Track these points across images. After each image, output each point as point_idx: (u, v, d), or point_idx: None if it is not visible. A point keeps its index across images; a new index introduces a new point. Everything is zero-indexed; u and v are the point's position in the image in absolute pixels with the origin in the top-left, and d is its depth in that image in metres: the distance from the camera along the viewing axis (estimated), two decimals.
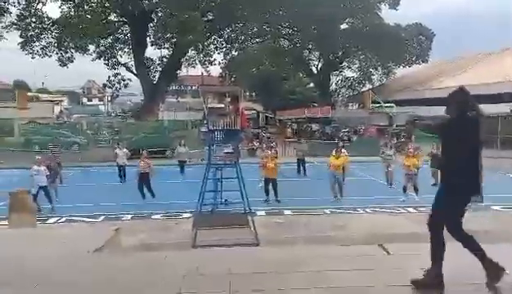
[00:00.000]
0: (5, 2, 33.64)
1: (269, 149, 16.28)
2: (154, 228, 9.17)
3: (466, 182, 3.82)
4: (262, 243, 7.84)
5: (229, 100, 8.33)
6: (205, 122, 8.86)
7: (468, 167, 3.85)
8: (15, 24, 35.19)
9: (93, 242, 5.72)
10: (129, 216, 11.01)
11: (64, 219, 10.70)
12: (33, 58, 37.16)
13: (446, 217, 3.82)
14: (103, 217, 10.86)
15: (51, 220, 10.58)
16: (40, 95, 56.57)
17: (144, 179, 13.54)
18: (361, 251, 4.88)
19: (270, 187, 13.23)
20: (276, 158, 14.68)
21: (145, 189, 13.47)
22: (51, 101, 47.41)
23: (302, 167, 19.43)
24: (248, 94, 65.11)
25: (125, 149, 18.31)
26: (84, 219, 10.67)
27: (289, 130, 40.32)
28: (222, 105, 8.73)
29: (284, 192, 13.34)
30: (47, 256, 5.16)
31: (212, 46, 42.26)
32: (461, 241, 3.81)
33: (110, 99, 59.07)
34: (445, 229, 3.79)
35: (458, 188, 3.80)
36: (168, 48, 38.96)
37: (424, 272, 3.80)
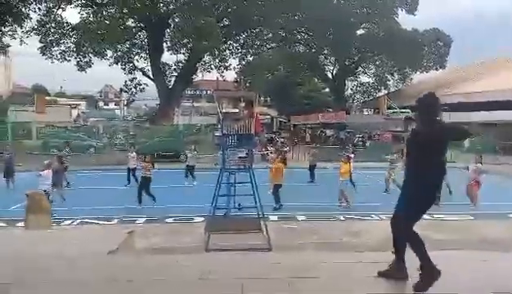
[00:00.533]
0: (26, 8, 34.35)
1: (277, 154, 16.20)
2: (168, 231, 9.19)
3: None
4: (275, 248, 7.79)
5: (243, 104, 8.33)
6: (219, 126, 8.87)
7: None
8: (35, 30, 35.92)
9: (107, 244, 5.78)
10: (143, 220, 11.07)
11: (78, 221, 10.81)
12: (52, 63, 37.87)
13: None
14: (117, 220, 10.96)
15: (66, 223, 10.71)
16: (58, 99, 57.62)
17: (143, 182, 13.56)
18: (376, 257, 4.82)
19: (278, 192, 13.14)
20: (282, 163, 14.54)
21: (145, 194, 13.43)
22: (69, 105, 48.16)
23: (310, 172, 19.28)
24: (263, 99, 65.17)
25: (134, 153, 18.42)
26: (98, 222, 10.77)
27: (308, 135, 40.03)
28: (237, 110, 8.74)
29: (297, 197, 13.30)
30: (63, 257, 5.23)
31: (227, 52, 42.48)
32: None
33: (126, 103, 59.76)
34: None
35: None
36: (184, 53, 39.34)
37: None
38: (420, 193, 4.08)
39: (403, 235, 4.17)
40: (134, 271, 4.67)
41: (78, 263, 4.93)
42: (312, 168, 19.47)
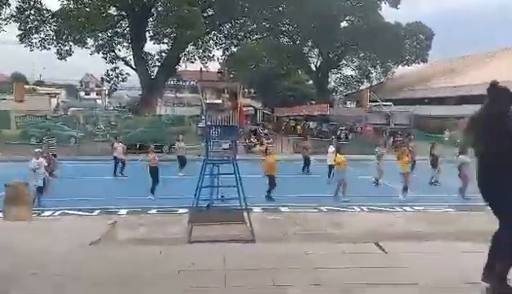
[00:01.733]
0: None
1: (265, 147, 16.26)
2: (150, 223, 9.13)
3: None
4: (258, 240, 7.81)
5: (227, 95, 8.30)
6: (203, 117, 8.83)
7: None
8: (14, 17, 34.99)
9: (89, 235, 5.71)
10: (125, 211, 10.97)
11: (58, 212, 10.64)
12: (31, 50, 36.98)
13: None
14: (98, 211, 10.83)
15: (46, 214, 10.53)
16: (37, 87, 56.32)
17: (154, 172, 13.57)
18: (358, 249, 4.88)
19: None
20: (265, 153, 14.68)
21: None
22: (48, 94, 47.16)
23: (306, 165, 19.32)
24: (247, 90, 65.02)
25: (120, 144, 18.32)
26: (79, 213, 10.62)
27: (299, 127, 39.72)
28: (221, 101, 8.71)
29: (282, 188, 13.35)
30: (44, 249, 5.15)
31: (211, 42, 42.20)
32: None
33: (107, 93, 58.84)
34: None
35: None
36: (167, 43, 38.83)
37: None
38: None
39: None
40: (115, 262, 4.62)
41: (58, 255, 4.86)
42: (306, 160, 19.45)
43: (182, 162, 18.38)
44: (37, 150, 12.90)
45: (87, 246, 5.33)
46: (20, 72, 68.77)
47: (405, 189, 13.34)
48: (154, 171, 13.63)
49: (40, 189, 11.81)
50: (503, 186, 3.51)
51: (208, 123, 8.19)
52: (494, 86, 3.74)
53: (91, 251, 5.17)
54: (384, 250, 4.56)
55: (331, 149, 16.37)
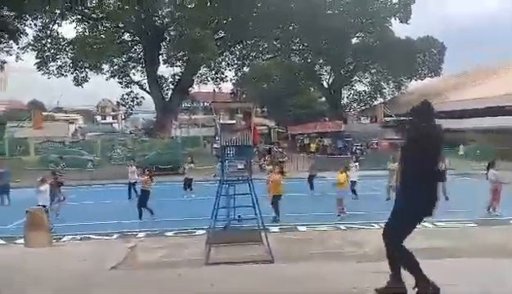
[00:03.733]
0: (22, 24, 34.45)
1: (274, 165, 16.07)
2: (168, 245, 9.14)
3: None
4: (277, 260, 7.76)
5: (241, 115, 8.37)
6: (218, 138, 8.90)
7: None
8: (32, 45, 36.09)
9: (109, 260, 5.74)
10: (143, 234, 11.01)
11: (78, 237, 10.72)
12: (49, 78, 38.05)
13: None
14: (117, 235, 10.89)
15: (66, 239, 10.62)
16: (55, 114, 57.49)
17: (142, 196, 13.53)
18: (377, 267, 4.81)
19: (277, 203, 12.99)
20: (280, 173, 14.31)
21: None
22: (66, 120, 48.13)
23: (309, 183, 19.18)
24: (259, 110, 65.32)
25: (134, 167, 18.41)
26: (98, 237, 10.70)
27: (314, 145, 39.53)
28: (234, 121, 8.78)
29: (298, 207, 13.26)
30: (65, 274, 5.20)
31: (223, 63, 42.75)
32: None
33: (123, 117, 59.74)
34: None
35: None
36: (180, 66, 39.49)
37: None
38: (408, 205, 3.94)
39: (391, 248, 4.03)
40: (135, 286, 4.64)
41: (80, 279, 4.90)
42: (310, 178, 19.38)
43: (187, 184, 18.33)
44: (39, 178, 12.75)
45: (107, 270, 5.36)
46: (38, 99, 70.41)
47: None
48: (143, 195, 13.46)
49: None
50: None
51: (223, 143, 8.25)
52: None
53: (112, 276, 5.20)
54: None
55: (353, 165, 16.30)
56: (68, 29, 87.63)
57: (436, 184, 4.13)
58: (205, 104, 50.38)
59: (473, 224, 11.50)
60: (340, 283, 4.55)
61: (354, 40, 45.99)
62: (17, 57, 35.31)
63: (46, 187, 12.30)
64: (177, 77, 40.81)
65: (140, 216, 13.11)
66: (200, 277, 5.44)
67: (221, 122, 8.80)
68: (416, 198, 3.90)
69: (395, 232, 4.03)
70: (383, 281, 4.12)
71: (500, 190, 12.85)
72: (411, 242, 4.12)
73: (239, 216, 10.62)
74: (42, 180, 12.52)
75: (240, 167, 9.08)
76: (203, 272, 6.47)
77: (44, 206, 11.82)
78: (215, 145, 29.12)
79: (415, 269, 3.88)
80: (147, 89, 40.32)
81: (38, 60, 36.96)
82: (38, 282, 4.89)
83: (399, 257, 3.99)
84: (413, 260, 3.95)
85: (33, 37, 36.10)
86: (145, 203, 13.30)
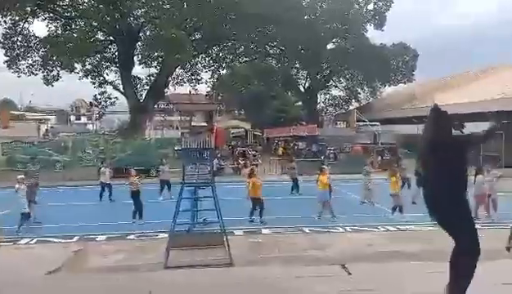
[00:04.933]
0: None
1: (250, 169, 16.00)
2: (128, 249, 8.96)
3: None
4: (237, 263, 7.72)
5: (202, 117, 8.29)
6: (180, 140, 8.79)
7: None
8: (1, 43, 35.14)
9: (51, 264, 5.55)
10: (104, 237, 10.76)
11: (35, 240, 10.40)
12: (19, 76, 36.95)
13: None
14: (77, 237, 10.61)
15: (23, 242, 10.29)
16: (27, 113, 56.09)
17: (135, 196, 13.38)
18: (324, 271, 4.81)
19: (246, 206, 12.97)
20: (251, 175, 14.25)
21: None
22: (38, 120, 46.97)
23: (294, 184, 19.15)
24: (237, 112, 65.25)
25: (108, 169, 18.14)
26: (57, 240, 10.40)
27: (281, 148, 39.77)
28: (199, 123, 8.69)
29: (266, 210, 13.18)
30: None
31: (199, 65, 42.45)
32: None
33: (97, 117, 58.74)
34: None
35: None
36: (155, 66, 38.99)
37: None
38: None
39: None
40: (66, 291, 4.46)
41: (8, 284, 4.67)
42: (294, 181, 19.31)
43: (163, 186, 18.02)
44: (19, 177, 12.72)
45: (41, 275, 5.17)
46: (11, 98, 68.67)
47: (399, 209, 13.15)
48: (135, 196, 13.38)
49: (28, 215, 11.69)
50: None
51: (184, 146, 8.15)
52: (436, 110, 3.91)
53: (45, 282, 5.01)
54: (349, 272, 4.50)
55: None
56: (39, 27, 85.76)
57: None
58: (170, 105, 48.70)
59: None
60: (284, 286, 4.51)
61: (330, 45, 46.46)
62: None
63: (24, 187, 12.11)
64: (152, 78, 40.29)
65: (140, 216, 12.97)
66: (155, 281, 5.31)
67: (184, 124, 8.68)
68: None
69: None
70: (323, 285, 4.10)
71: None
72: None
73: (204, 219, 10.55)
74: (21, 179, 12.39)
75: (202, 169, 8.99)
76: (158, 276, 6.34)
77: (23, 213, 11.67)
78: (176, 148, 28.78)
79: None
80: (121, 89, 39.64)
81: (8, 58, 35.97)
82: None
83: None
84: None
85: (3, 34, 35.23)
86: (139, 202, 13.17)
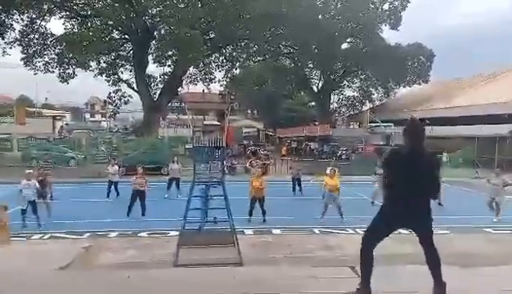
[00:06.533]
0: (8, 19, 34.14)
1: (258, 167, 15.97)
2: (138, 246, 8.99)
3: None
4: (246, 263, 7.68)
5: (215, 116, 8.28)
6: (191, 138, 8.80)
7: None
8: (18, 40, 35.68)
9: (62, 260, 5.59)
10: (115, 234, 10.82)
11: (48, 236, 10.52)
12: (35, 74, 37.57)
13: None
14: (88, 234, 10.69)
15: (36, 237, 10.42)
16: (44, 110, 56.88)
17: (140, 196, 13.41)
18: (333, 272, 4.75)
19: (257, 206, 12.84)
20: (263, 174, 14.14)
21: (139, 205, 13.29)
22: (53, 117, 47.61)
23: (298, 186, 19.13)
24: (249, 112, 65.30)
25: (116, 166, 18.13)
26: (68, 236, 10.50)
27: (285, 148, 39.79)
28: (210, 122, 8.69)
29: (275, 210, 13.13)
30: (8, 273, 5.03)
31: (213, 64, 42.58)
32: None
33: (110, 115, 59.39)
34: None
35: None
36: (169, 65, 39.22)
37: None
38: (387, 207, 4.04)
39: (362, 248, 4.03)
40: (77, 288, 4.48)
41: (22, 280, 4.71)
42: (294, 181, 19.28)
43: (171, 183, 17.97)
44: (27, 171, 12.68)
45: (53, 271, 5.22)
46: (28, 95, 69.70)
47: None
48: (139, 196, 13.39)
49: (23, 212, 11.70)
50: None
51: (195, 145, 8.15)
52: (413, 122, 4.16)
53: (56, 277, 5.04)
54: (358, 274, 4.44)
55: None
56: (56, 25, 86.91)
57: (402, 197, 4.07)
58: (183, 104, 48.70)
59: (446, 232, 11.48)
60: (292, 287, 4.46)
61: (344, 45, 46.20)
62: (3, 52, 35.06)
63: (31, 182, 12.12)
64: (166, 77, 40.55)
65: (143, 213, 13.13)
66: (165, 279, 5.31)
67: (193, 122, 8.69)
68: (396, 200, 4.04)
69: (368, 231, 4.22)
70: (330, 286, 4.05)
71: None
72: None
73: (214, 218, 10.54)
74: (27, 174, 12.36)
75: (213, 168, 8.99)
76: (168, 274, 6.34)
77: (31, 201, 11.73)
78: (187, 146, 28.87)
79: (366, 272, 3.98)
80: (135, 88, 39.97)
81: (24, 56, 36.54)
82: None
83: (362, 257, 4.07)
84: (370, 264, 4.01)
85: (20, 32, 35.75)
86: (140, 202, 13.30)
